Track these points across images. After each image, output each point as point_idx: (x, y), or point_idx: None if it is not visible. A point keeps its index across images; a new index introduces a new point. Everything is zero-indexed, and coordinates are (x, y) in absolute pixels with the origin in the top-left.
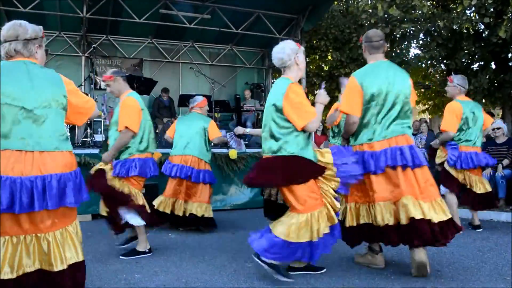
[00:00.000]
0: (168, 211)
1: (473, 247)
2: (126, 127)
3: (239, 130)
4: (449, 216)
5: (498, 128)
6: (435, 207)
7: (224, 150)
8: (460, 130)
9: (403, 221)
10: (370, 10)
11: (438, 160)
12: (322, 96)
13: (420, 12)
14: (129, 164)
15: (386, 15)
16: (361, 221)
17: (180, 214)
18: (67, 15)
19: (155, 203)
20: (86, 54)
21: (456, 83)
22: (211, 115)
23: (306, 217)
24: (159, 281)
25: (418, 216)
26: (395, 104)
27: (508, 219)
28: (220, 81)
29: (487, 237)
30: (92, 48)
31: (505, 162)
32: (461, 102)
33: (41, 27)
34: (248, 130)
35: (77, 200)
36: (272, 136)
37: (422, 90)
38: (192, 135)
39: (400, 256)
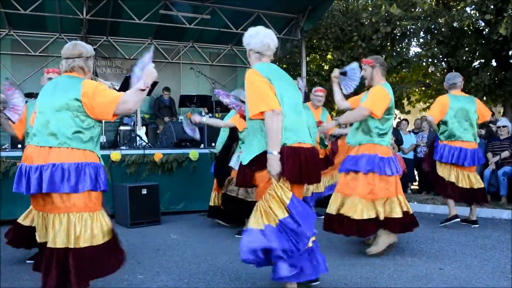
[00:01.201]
0: None
1: (475, 245)
2: None
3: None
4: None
5: (503, 126)
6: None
7: None
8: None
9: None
10: (370, 9)
11: None
12: None
13: (420, 10)
14: None
15: (386, 14)
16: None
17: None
18: (67, 16)
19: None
20: None
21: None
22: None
23: None
24: (161, 282)
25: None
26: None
27: (510, 217)
28: (220, 81)
29: (489, 235)
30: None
31: (504, 154)
32: (450, 96)
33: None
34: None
35: (71, 189)
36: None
37: (423, 88)
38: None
39: (402, 255)
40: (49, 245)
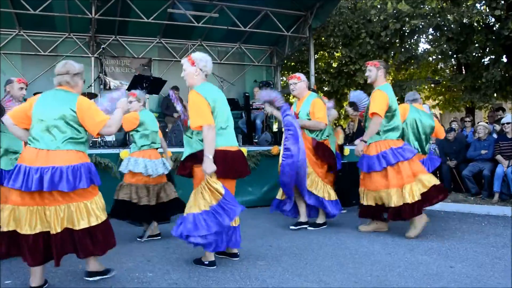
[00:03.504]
0: None
1: (487, 243)
2: None
3: None
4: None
5: (507, 123)
6: None
7: None
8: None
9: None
10: (379, 6)
11: None
12: None
13: (429, 7)
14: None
15: (395, 11)
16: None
17: None
18: (75, 16)
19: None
20: (95, 55)
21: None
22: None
23: None
24: (171, 280)
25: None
26: None
27: None
28: (229, 79)
29: (501, 233)
30: (101, 49)
31: None
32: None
33: (82, 65)
34: None
35: (70, 187)
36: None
37: (432, 85)
38: None
39: (412, 253)
40: (53, 231)
